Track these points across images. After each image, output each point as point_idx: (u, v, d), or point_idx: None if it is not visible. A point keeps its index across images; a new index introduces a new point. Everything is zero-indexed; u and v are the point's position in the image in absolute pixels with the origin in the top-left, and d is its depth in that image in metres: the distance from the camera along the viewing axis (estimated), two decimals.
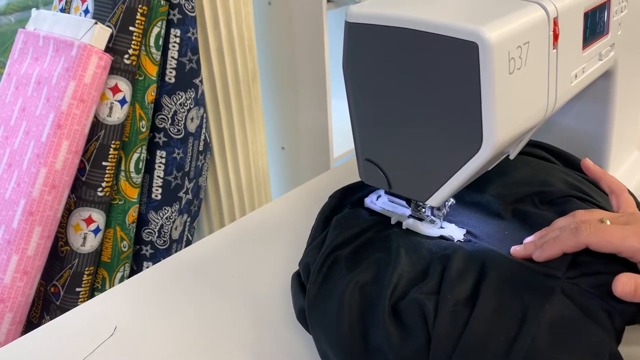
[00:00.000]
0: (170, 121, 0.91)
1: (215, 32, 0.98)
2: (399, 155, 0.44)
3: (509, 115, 0.38)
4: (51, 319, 0.55)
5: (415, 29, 0.37)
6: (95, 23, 0.77)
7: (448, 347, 0.39)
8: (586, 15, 0.46)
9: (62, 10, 0.90)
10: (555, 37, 0.41)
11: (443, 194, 0.43)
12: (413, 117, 0.41)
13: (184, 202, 0.98)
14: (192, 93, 0.92)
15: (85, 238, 0.85)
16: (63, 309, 0.84)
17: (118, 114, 0.82)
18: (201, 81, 0.95)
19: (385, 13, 0.39)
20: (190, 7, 0.88)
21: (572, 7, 0.43)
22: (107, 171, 0.83)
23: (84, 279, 0.86)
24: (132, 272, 0.95)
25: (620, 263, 0.44)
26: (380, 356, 0.41)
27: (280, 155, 1.31)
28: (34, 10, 0.89)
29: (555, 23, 0.41)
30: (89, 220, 0.84)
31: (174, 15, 0.87)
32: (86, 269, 0.85)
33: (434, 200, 0.44)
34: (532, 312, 0.41)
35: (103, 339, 0.51)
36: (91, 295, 0.89)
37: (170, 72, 0.89)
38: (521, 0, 0.40)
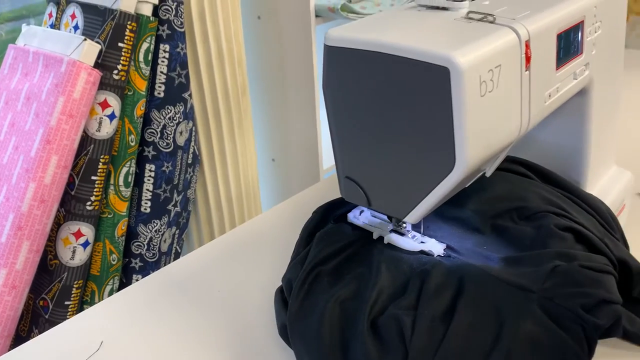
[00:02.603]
0: (159, 135, 0.92)
1: (204, 46, 0.99)
2: (377, 174, 0.45)
3: (481, 136, 0.39)
4: (40, 333, 0.55)
5: (390, 53, 0.38)
6: (84, 40, 0.78)
7: None
8: (559, 36, 0.47)
9: (52, 26, 0.91)
10: (528, 59, 0.42)
11: (420, 212, 0.44)
12: (390, 138, 0.42)
13: (172, 214, 0.99)
14: (181, 107, 0.93)
15: (74, 252, 0.85)
16: (52, 323, 0.85)
17: (107, 129, 0.83)
18: (190, 95, 0.96)
19: (361, 37, 0.40)
20: (179, 22, 0.89)
21: (545, 30, 0.45)
22: (96, 185, 0.84)
23: (73, 292, 0.86)
24: (122, 285, 0.95)
25: (598, 279, 0.45)
26: None
27: (271, 167, 1.32)
28: (24, 25, 0.90)
29: (528, 46, 0.42)
30: (78, 234, 0.85)
31: (163, 30, 0.88)
32: (75, 282, 0.86)
33: (412, 217, 0.45)
34: (507, 327, 0.42)
35: (90, 354, 0.51)
36: (80, 308, 0.89)
37: (160, 87, 0.90)
38: (494, 24, 0.41)
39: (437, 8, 0.46)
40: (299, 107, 1.18)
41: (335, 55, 0.42)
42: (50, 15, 0.92)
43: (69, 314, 0.86)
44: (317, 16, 1.08)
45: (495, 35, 0.40)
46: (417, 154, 0.41)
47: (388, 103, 0.40)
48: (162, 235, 0.98)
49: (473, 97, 0.37)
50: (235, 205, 1.13)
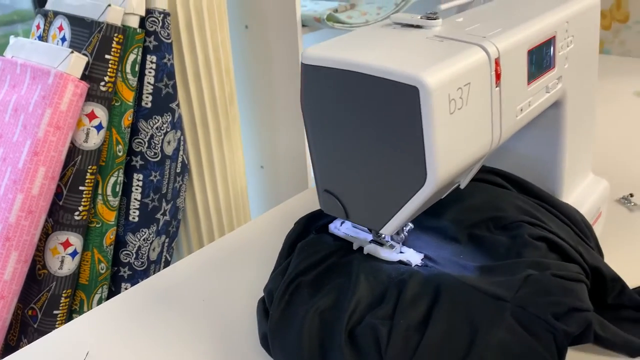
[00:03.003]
0: (147, 145, 0.93)
1: (192, 57, 1.00)
2: (354, 187, 0.46)
3: (452, 152, 0.40)
4: (29, 342, 0.56)
5: (363, 72, 0.40)
6: (72, 52, 0.79)
7: None
8: (530, 52, 0.49)
9: (40, 38, 0.92)
10: (498, 76, 0.43)
11: (395, 224, 0.45)
12: (365, 153, 0.43)
13: (161, 223, 1.00)
14: (168, 117, 0.94)
15: (62, 261, 0.86)
16: (41, 332, 0.85)
17: (94, 140, 0.84)
18: (178, 105, 0.97)
19: (336, 56, 0.41)
20: (166, 34, 0.90)
21: (515, 47, 0.46)
22: (84, 195, 0.85)
23: (61, 301, 0.87)
24: (111, 294, 0.96)
25: (569, 287, 0.47)
26: None
27: (260, 174, 1.33)
28: (12, 37, 0.91)
29: (497, 63, 0.43)
30: (67, 244, 0.86)
31: (150, 42, 0.89)
32: (64, 291, 0.87)
33: (388, 229, 0.46)
34: (480, 335, 0.43)
35: None
36: (69, 317, 0.90)
37: (147, 97, 0.91)
38: (464, 43, 0.43)
39: (412, 26, 0.47)
40: (286, 115, 1.19)
41: (311, 73, 0.43)
42: (38, 27, 0.92)
43: (57, 323, 0.87)
44: (303, 26, 1.09)
45: (464, 54, 0.41)
46: (390, 169, 0.42)
47: (362, 120, 0.41)
48: (151, 243, 0.99)
49: (442, 115, 0.38)
50: (224, 213, 1.14)
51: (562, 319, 0.45)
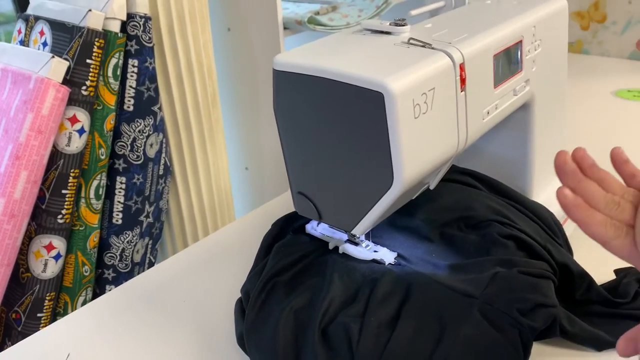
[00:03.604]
0: (129, 148, 0.93)
1: (174, 60, 1.01)
2: (326, 189, 0.47)
3: (417, 154, 0.42)
4: (13, 345, 0.57)
5: (331, 79, 0.41)
6: (52, 57, 0.80)
7: None
8: (496, 57, 0.50)
9: (22, 42, 0.92)
10: (462, 81, 0.45)
11: (366, 224, 0.46)
12: (335, 156, 0.44)
13: (145, 225, 1.00)
14: (150, 120, 0.95)
15: (46, 264, 0.86)
16: (25, 335, 0.86)
17: (77, 144, 0.85)
18: (160, 108, 0.97)
19: (306, 63, 0.43)
20: (147, 38, 0.91)
21: (480, 52, 0.48)
22: (66, 199, 0.86)
23: (45, 304, 0.87)
24: (95, 296, 0.97)
25: (536, 284, 0.48)
26: None
27: (244, 176, 1.34)
28: None
29: (462, 68, 0.45)
30: (50, 247, 0.86)
31: (131, 46, 0.90)
32: (47, 294, 0.87)
33: (358, 230, 0.47)
34: (448, 331, 0.45)
35: None
36: (53, 320, 0.90)
37: (129, 101, 0.92)
38: (429, 49, 0.44)
39: (381, 32, 0.48)
40: (270, 117, 1.20)
41: (282, 79, 0.45)
42: (20, 31, 0.93)
43: (41, 325, 0.88)
44: (285, 28, 1.10)
45: (429, 60, 0.42)
46: (359, 171, 0.43)
47: (331, 124, 0.43)
48: (135, 246, 0.99)
49: (407, 119, 0.40)
50: (209, 214, 1.15)
51: (528, 314, 0.46)
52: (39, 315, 0.87)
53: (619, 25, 1.33)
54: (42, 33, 0.88)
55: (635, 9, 1.30)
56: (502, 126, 0.59)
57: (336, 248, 0.55)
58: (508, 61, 0.53)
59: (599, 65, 1.33)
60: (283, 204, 0.79)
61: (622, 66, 1.30)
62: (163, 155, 1.01)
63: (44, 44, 0.87)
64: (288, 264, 0.53)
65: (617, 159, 0.43)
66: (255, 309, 0.49)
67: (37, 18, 0.89)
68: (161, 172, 1.02)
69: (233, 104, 1.26)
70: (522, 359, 0.44)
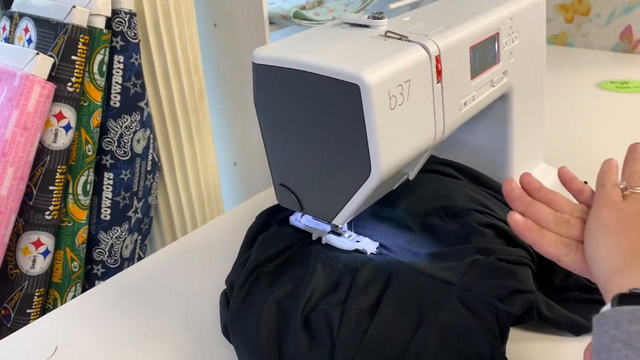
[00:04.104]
0: (116, 144, 0.94)
1: (160, 56, 1.01)
2: (307, 181, 0.48)
3: (394, 145, 0.43)
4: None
5: (308, 71, 0.42)
6: (37, 53, 0.80)
7: (350, 351, 0.44)
8: (473, 49, 0.51)
9: (6, 40, 0.92)
10: (439, 72, 0.46)
11: (346, 214, 0.47)
12: (314, 148, 0.45)
13: (133, 221, 1.01)
14: (137, 116, 0.95)
15: (34, 260, 0.87)
16: (14, 331, 0.86)
17: (63, 140, 0.85)
18: (147, 104, 0.98)
19: (284, 56, 0.44)
20: (132, 34, 0.91)
21: (457, 44, 0.48)
22: (54, 195, 0.86)
23: (34, 300, 0.88)
24: (84, 292, 0.97)
25: (513, 271, 0.49)
26: None
27: (233, 171, 1.35)
28: None
29: (438, 60, 0.46)
30: (38, 243, 0.87)
31: (117, 42, 0.90)
32: (36, 290, 0.88)
33: (339, 220, 0.48)
34: (427, 318, 0.46)
35: (44, 359, 0.54)
36: (42, 316, 0.91)
37: (115, 97, 0.92)
38: (406, 41, 0.45)
39: (359, 26, 0.49)
40: None
41: (262, 73, 0.45)
42: (4, 28, 0.93)
43: (31, 321, 0.88)
44: (271, 23, 1.11)
45: (405, 52, 0.43)
46: (337, 162, 0.44)
47: (310, 116, 0.44)
48: (124, 241, 1.00)
49: (383, 110, 0.41)
50: (197, 210, 1.16)
51: (505, 300, 0.47)
52: (28, 311, 0.87)
53: (603, 18, 1.35)
54: (26, 30, 0.88)
55: (618, 2, 1.31)
56: (482, 117, 0.61)
57: (319, 239, 0.56)
58: (485, 53, 0.54)
59: (583, 57, 1.34)
60: (271, 198, 0.79)
61: (605, 58, 1.31)
62: (151, 151, 1.02)
63: (29, 41, 0.88)
64: (272, 255, 0.54)
65: (564, 178, 0.47)
66: (239, 299, 0.50)
67: (21, 15, 0.90)
68: (149, 168, 1.02)
69: (220, 99, 1.27)
70: (499, 343, 0.46)
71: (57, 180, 0.86)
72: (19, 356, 0.55)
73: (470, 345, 0.44)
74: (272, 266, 0.53)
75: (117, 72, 0.91)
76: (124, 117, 0.93)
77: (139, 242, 1.06)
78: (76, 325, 0.58)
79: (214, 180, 1.19)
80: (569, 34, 1.42)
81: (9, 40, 0.92)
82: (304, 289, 0.49)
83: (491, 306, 0.47)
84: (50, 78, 0.82)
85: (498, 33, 0.55)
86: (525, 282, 0.49)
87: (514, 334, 0.49)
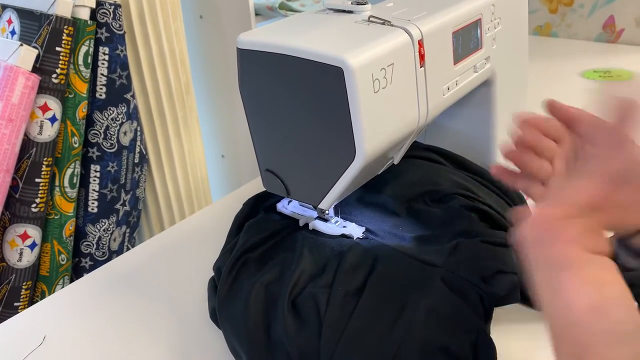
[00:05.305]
0: (102, 136, 0.93)
1: (146, 47, 1.01)
2: (292, 165, 0.49)
3: (378, 128, 0.43)
4: None
5: (292, 55, 0.42)
6: (21, 45, 0.80)
7: (336, 333, 0.44)
8: (455, 34, 0.52)
9: None
10: (422, 57, 0.46)
11: (331, 198, 0.48)
12: (299, 132, 0.46)
13: (121, 213, 1.01)
14: (123, 108, 0.95)
15: (21, 253, 0.87)
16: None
17: (49, 132, 0.85)
18: (133, 96, 0.98)
19: (268, 41, 0.44)
20: (117, 25, 0.91)
21: (439, 29, 0.49)
22: (40, 187, 0.86)
23: (22, 293, 0.87)
24: None
25: (496, 252, 0.50)
26: (280, 347, 0.46)
27: (221, 163, 1.35)
28: None
29: (421, 45, 0.46)
30: (25, 236, 0.86)
31: (102, 34, 0.90)
32: (24, 283, 0.87)
33: (325, 204, 0.49)
34: (412, 299, 0.46)
35: (32, 349, 0.54)
36: None
37: (101, 89, 0.92)
38: (388, 26, 0.45)
39: (343, 11, 0.50)
40: None
41: (246, 58, 0.46)
42: None
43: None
44: (257, 14, 1.11)
45: (388, 36, 0.44)
46: (323, 146, 0.45)
47: (294, 101, 0.44)
48: (112, 234, 1.00)
49: (367, 94, 0.41)
50: (185, 202, 1.16)
51: (489, 281, 0.48)
52: (15, 304, 0.87)
53: (586, 8, 1.36)
54: (9, 21, 0.88)
55: None
56: (465, 103, 0.61)
57: (306, 225, 0.56)
58: (468, 39, 0.54)
59: (566, 47, 1.36)
60: (258, 188, 0.80)
61: (589, 48, 1.33)
62: (138, 143, 1.01)
63: (12, 33, 0.87)
64: (259, 240, 0.54)
65: (552, 109, 0.46)
66: (227, 284, 0.50)
67: (4, 6, 0.89)
68: (137, 161, 1.02)
69: (207, 91, 1.26)
70: (483, 323, 0.46)
71: (43, 173, 0.86)
72: (7, 346, 0.55)
73: (457, 324, 0.45)
74: (259, 252, 0.54)
75: (103, 63, 0.91)
76: (110, 109, 0.93)
77: (127, 234, 1.05)
78: (64, 315, 0.58)
79: (202, 173, 1.19)
80: (553, 25, 1.44)
81: None
82: (291, 273, 0.49)
83: (475, 287, 0.47)
84: (35, 69, 0.82)
85: (480, 19, 0.55)
86: (508, 264, 0.50)
87: (498, 314, 0.50)
